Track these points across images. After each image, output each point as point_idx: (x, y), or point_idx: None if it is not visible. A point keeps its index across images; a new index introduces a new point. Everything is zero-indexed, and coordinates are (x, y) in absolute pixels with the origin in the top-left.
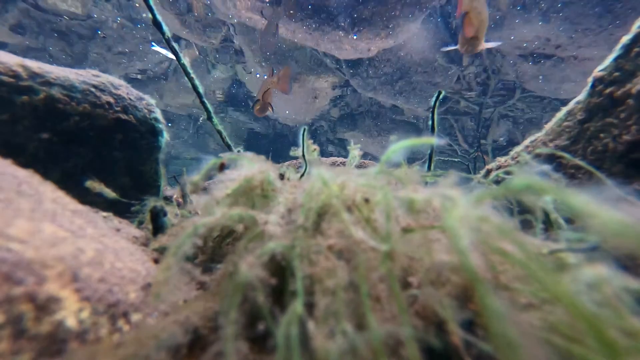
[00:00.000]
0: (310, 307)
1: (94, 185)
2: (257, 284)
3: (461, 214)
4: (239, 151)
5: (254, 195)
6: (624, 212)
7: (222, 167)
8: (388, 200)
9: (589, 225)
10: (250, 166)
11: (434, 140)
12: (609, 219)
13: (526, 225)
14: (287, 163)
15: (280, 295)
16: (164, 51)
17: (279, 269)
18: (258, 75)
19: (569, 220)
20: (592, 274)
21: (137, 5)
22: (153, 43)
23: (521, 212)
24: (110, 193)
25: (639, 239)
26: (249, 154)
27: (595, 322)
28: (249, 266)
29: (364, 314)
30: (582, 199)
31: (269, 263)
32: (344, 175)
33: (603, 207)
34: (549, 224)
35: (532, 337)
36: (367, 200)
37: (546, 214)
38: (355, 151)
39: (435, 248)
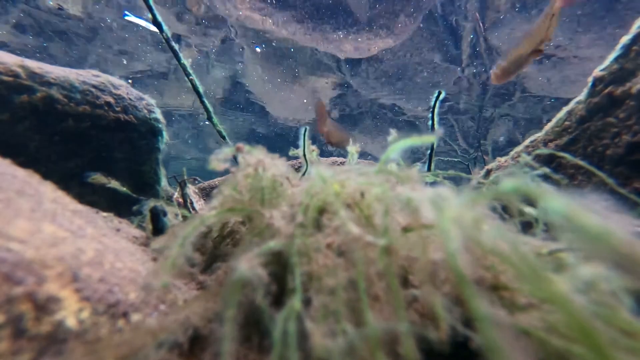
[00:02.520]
0: (308, 305)
1: (102, 179)
2: (257, 282)
3: (454, 215)
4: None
5: (263, 187)
6: (603, 218)
7: (239, 150)
8: (386, 196)
9: (568, 231)
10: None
11: (433, 139)
12: (587, 224)
13: (528, 226)
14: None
15: (280, 295)
16: (141, 22)
17: (279, 268)
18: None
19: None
20: (590, 273)
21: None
22: (126, 12)
23: (522, 213)
24: (119, 187)
25: (615, 246)
26: (260, 148)
27: (589, 330)
28: (248, 265)
29: (362, 311)
30: (562, 202)
31: (269, 261)
32: (344, 174)
33: (583, 211)
34: (550, 225)
35: (519, 342)
36: (362, 195)
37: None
38: (353, 149)
39: (433, 247)
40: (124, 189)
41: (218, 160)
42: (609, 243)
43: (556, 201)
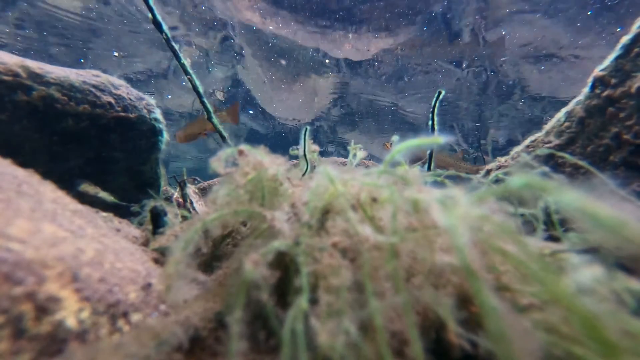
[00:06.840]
0: (313, 304)
1: (89, 188)
2: (262, 282)
3: (461, 213)
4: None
5: (264, 187)
6: (617, 209)
7: (241, 154)
8: (395, 199)
9: (583, 223)
10: (264, 158)
11: (440, 141)
12: (603, 216)
13: (529, 227)
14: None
15: (283, 295)
16: None
17: (283, 268)
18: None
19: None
20: (592, 274)
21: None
22: None
23: (523, 215)
24: (108, 196)
25: (630, 236)
26: (262, 148)
27: (593, 322)
28: (253, 265)
29: (368, 311)
30: (577, 196)
31: (273, 262)
32: (349, 174)
33: (598, 204)
34: (550, 226)
35: (526, 332)
36: (374, 200)
37: (548, 216)
38: (358, 152)
39: (437, 248)
40: (112, 198)
41: (219, 161)
42: (623, 233)
43: (569, 194)
